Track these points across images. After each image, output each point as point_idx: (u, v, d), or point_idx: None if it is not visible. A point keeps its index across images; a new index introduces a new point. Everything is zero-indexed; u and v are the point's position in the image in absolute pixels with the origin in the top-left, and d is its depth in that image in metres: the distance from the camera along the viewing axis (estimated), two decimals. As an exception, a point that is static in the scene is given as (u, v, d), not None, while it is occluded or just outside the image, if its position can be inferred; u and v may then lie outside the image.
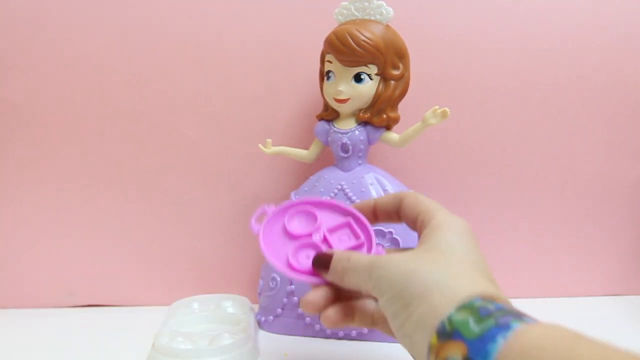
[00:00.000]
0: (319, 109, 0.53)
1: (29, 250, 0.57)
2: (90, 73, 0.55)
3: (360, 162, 0.50)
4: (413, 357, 0.28)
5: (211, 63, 0.56)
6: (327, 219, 0.37)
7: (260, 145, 0.53)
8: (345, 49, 0.46)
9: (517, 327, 0.22)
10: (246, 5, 0.55)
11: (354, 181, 0.49)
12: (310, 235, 0.36)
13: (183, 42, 0.55)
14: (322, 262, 0.33)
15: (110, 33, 0.55)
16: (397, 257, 0.30)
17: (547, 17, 0.56)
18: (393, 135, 0.50)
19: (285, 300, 0.50)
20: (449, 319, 0.25)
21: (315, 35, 0.51)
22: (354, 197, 0.48)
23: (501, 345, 0.22)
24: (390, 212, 0.36)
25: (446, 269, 0.28)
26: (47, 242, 0.57)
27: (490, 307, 0.24)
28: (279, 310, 0.50)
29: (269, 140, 0.53)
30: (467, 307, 0.25)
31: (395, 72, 0.48)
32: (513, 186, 0.58)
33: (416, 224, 0.33)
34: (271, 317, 0.50)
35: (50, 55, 0.55)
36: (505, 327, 0.23)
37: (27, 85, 0.55)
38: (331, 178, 0.50)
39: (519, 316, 0.24)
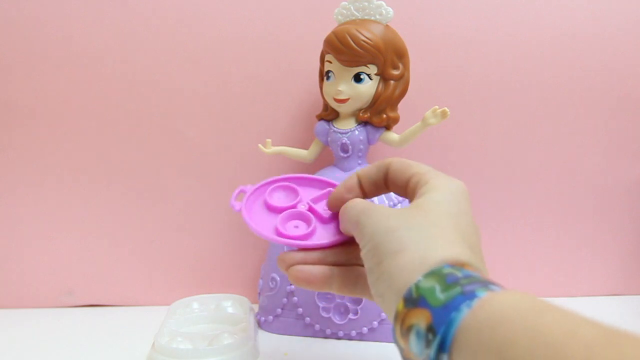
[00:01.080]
0: (319, 109, 0.53)
1: (29, 250, 0.57)
2: (89, 73, 0.55)
3: (360, 162, 0.50)
4: (386, 314, 0.27)
5: (211, 63, 0.56)
6: (307, 192, 0.37)
7: (260, 145, 0.53)
8: (344, 49, 0.46)
9: (483, 295, 0.22)
10: (246, 5, 0.55)
11: (353, 181, 0.49)
12: (294, 206, 0.35)
13: (183, 42, 0.55)
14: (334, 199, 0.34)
15: (110, 33, 0.55)
16: (385, 210, 0.29)
17: (547, 17, 0.56)
18: (393, 135, 0.50)
19: (285, 300, 0.50)
20: (416, 286, 0.24)
21: (315, 35, 0.51)
22: (353, 197, 0.48)
23: (465, 314, 0.21)
24: (377, 182, 0.33)
25: (425, 228, 0.27)
26: (47, 242, 0.57)
27: (458, 274, 0.24)
28: (279, 310, 0.50)
29: (269, 140, 0.53)
30: (436, 273, 0.24)
31: (395, 72, 0.48)
32: (513, 186, 0.58)
33: (407, 190, 0.31)
34: (271, 317, 0.50)
35: (50, 55, 0.55)
36: (470, 296, 0.22)
37: (26, 84, 0.55)
38: (331, 178, 0.49)
39: (486, 284, 0.23)
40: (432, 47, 0.56)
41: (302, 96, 0.56)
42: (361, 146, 0.49)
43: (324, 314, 0.48)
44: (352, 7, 0.49)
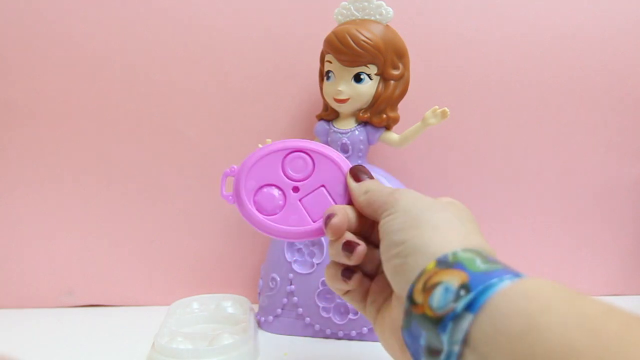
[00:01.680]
0: (319, 109, 0.53)
1: (29, 250, 0.57)
2: (90, 73, 0.55)
3: (360, 162, 0.50)
4: (391, 281, 0.28)
5: (211, 63, 0.56)
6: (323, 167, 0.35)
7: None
8: (344, 49, 0.46)
9: (522, 276, 0.22)
10: (246, 5, 0.55)
11: (353, 181, 0.49)
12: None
13: (183, 42, 0.55)
14: (357, 172, 0.33)
15: (110, 32, 0.55)
16: (415, 193, 0.30)
17: (547, 17, 0.56)
18: (393, 135, 0.50)
19: (285, 300, 0.50)
20: (454, 254, 0.24)
21: (315, 35, 0.51)
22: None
23: (507, 284, 0.21)
24: (363, 227, 0.33)
25: (458, 216, 0.28)
26: (47, 242, 0.57)
27: (495, 258, 0.24)
28: (279, 310, 0.50)
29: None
30: (474, 250, 0.24)
31: (395, 72, 0.48)
32: (513, 186, 0.58)
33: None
34: (271, 317, 0.50)
35: (50, 55, 0.55)
36: (515, 274, 0.22)
37: (26, 84, 0.55)
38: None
39: (517, 274, 0.23)
40: (432, 47, 0.56)
41: (302, 96, 0.56)
42: (361, 146, 0.49)
43: (324, 314, 0.48)
44: (352, 7, 0.49)
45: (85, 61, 0.55)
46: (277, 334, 0.50)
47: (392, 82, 0.48)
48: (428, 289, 0.23)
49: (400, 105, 0.50)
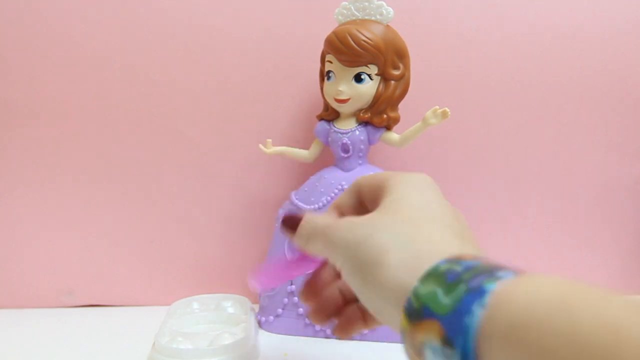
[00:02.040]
0: (319, 109, 0.53)
1: (28, 250, 0.57)
2: (89, 73, 0.55)
3: (360, 162, 0.50)
4: (394, 331, 0.24)
5: (211, 63, 0.56)
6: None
7: (260, 145, 0.53)
8: (345, 49, 0.46)
9: (492, 288, 0.18)
10: (246, 5, 0.55)
11: (354, 181, 0.49)
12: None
13: (183, 42, 0.55)
14: (290, 223, 0.30)
15: (110, 32, 0.55)
16: (351, 219, 0.26)
17: (547, 17, 0.56)
18: (393, 135, 0.50)
19: (285, 300, 0.50)
20: (415, 294, 0.21)
21: (315, 35, 0.51)
22: (354, 197, 0.48)
23: (480, 317, 0.18)
24: (356, 207, 0.31)
25: (403, 228, 0.24)
26: (47, 242, 0.57)
27: (458, 268, 0.20)
28: (280, 310, 0.50)
29: (269, 140, 0.53)
30: (432, 274, 0.21)
31: (396, 72, 0.48)
32: (513, 186, 0.58)
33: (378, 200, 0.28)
34: (271, 317, 0.50)
35: (50, 54, 0.54)
36: (479, 292, 0.19)
37: (26, 83, 0.54)
38: (332, 178, 0.50)
39: (491, 273, 0.19)
40: (432, 47, 0.56)
41: (303, 96, 0.56)
42: (362, 146, 0.49)
43: (325, 314, 0.48)
44: (352, 7, 0.49)
45: (85, 61, 0.55)
46: (278, 333, 0.50)
47: (392, 82, 0.48)
48: (419, 352, 0.21)
49: (400, 105, 0.50)
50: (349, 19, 0.49)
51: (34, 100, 0.55)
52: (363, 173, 0.48)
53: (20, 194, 0.56)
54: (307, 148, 0.53)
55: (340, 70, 0.48)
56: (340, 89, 0.48)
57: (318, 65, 0.51)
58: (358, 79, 0.48)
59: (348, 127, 0.50)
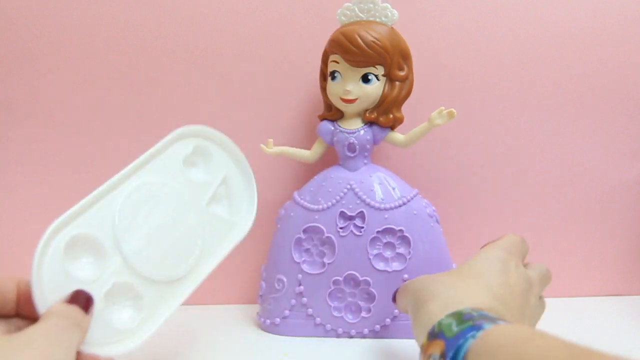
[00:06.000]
0: (320, 109, 0.53)
1: (28, 249, 0.53)
2: (89, 72, 0.54)
3: (365, 161, 0.51)
4: None
5: (211, 63, 0.55)
6: None
7: (262, 145, 0.52)
8: (354, 50, 0.46)
9: (488, 327, 0.27)
10: (246, 5, 0.54)
11: (362, 181, 0.49)
12: None
13: (183, 42, 0.54)
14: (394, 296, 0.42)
15: (110, 32, 0.53)
16: (426, 276, 0.38)
17: (547, 17, 0.56)
18: (398, 135, 0.51)
19: (293, 301, 0.49)
20: (439, 323, 0.30)
21: (316, 36, 0.51)
22: (363, 196, 0.48)
23: (471, 342, 0.26)
24: None
25: (451, 283, 0.34)
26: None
27: (474, 314, 0.29)
28: (287, 312, 0.49)
29: (271, 140, 0.52)
30: (456, 313, 0.30)
31: (401, 73, 0.49)
32: (512, 186, 0.59)
33: None
34: (278, 320, 0.50)
35: (49, 54, 0.53)
36: (478, 328, 0.27)
37: (26, 82, 0.53)
38: (339, 178, 0.50)
39: (494, 320, 0.28)
40: (435, 47, 0.56)
41: (303, 96, 0.56)
42: (367, 146, 0.50)
43: (336, 314, 0.48)
44: (356, 9, 0.49)
45: (85, 61, 0.53)
46: (285, 335, 0.49)
47: (398, 83, 0.49)
48: None
49: (403, 106, 0.51)
50: (352, 20, 0.49)
51: (34, 100, 0.53)
52: (369, 173, 0.50)
53: (20, 194, 0.54)
54: (308, 148, 0.53)
55: (347, 71, 0.48)
56: (347, 89, 0.48)
57: (319, 65, 0.51)
58: (365, 79, 0.48)
59: (354, 127, 0.50)
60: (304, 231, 0.49)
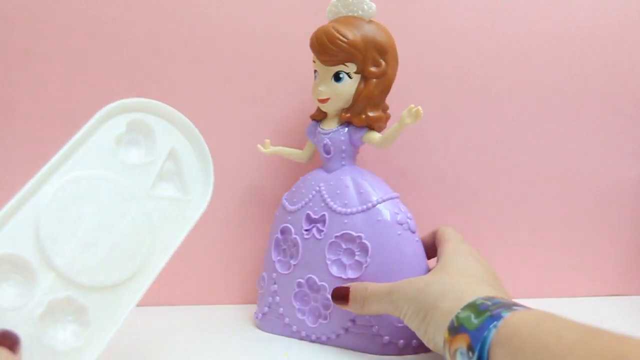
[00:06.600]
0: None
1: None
2: (90, 72, 0.55)
3: (343, 163, 0.48)
4: (438, 351, 0.34)
5: (210, 63, 0.56)
6: None
7: (259, 146, 0.53)
8: (320, 48, 0.45)
9: (506, 315, 0.28)
10: (245, 5, 0.56)
11: (331, 183, 0.47)
12: None
13: (182, 42, 0.55)
14: (340, 295, 0.42)
15: (110, 32, 0.55)
16: (409, 279, 0.38)
17: (546, 16, 0.56)
18: (375, 135, 0.47)
19: (270, 299, 0.50)
20: (456, 317, 0.31)
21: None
22: (327, 199, 0.47)
23: (493, 332, 0.28)
24: (433, 246, 0.46)
25: (450, 280, 0.35)
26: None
27: (488, 302, 0.30)
28: (266, 308, 0.50)
29: (268, 141, 0.53)
30: (471, 305, 0.31)
31: (375, 70, 0.46)
32: (512, 186, 0.58)
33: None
34: (260, 315, 0.51)
35: (49, 54, 0.54)
36: (497, 317, 0.28)
37: (26, 82, 0.54)
38: (313, 179, 0.49)
39: (509, 306, 0.29)
40: (428, 45, 0.54)
41: (303, 96, 0.56)
42: (343, 147, 0.48)
43: (299, 316, 0.47)
44: (339, 4, 0.48)
45: (86, 60, 0.54)
46: (265, 331, 0.50)
47: (373, 80, 0.46)
48: (452, 356, 0.30)
49: (396, 104, 0.48)
50: (336, 16, 0.48)
51: (33, 98, 0.54)
52: (342, 175, 0.48)
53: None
54: (303, 148, 0.53)
55: (322, 70, 0.47)
56: (320, 88, 0.47)
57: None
58: (337, 78, 0.46)
59: (330, 128, 0.49)
60: (281, 231, 0.50)
